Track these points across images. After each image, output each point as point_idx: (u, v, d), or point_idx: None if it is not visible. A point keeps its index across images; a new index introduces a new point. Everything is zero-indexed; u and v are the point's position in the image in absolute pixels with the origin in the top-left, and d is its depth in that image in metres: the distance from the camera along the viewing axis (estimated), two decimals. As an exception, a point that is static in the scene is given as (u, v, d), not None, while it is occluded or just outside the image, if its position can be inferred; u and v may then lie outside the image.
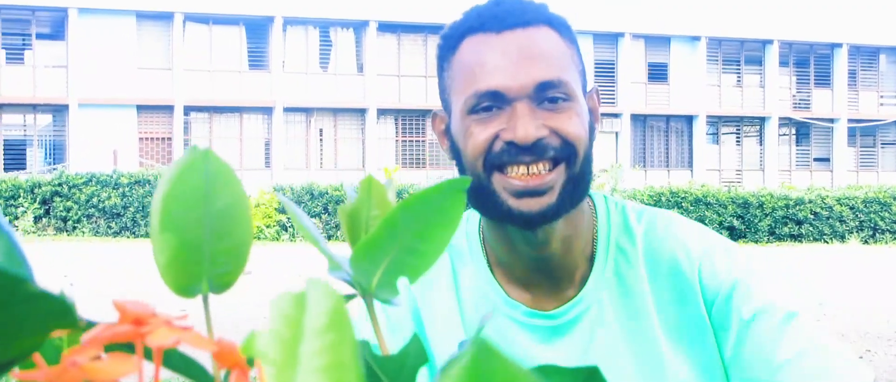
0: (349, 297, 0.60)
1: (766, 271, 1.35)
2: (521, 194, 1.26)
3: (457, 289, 1.42)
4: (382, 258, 0.58)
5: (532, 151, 1.25)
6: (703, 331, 1.32)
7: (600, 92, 1.42)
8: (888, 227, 21.79)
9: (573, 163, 1.27)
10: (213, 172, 0.54)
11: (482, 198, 1.30)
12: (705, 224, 20.84)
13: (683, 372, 1.32)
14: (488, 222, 1.38)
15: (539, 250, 1.33)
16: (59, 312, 0.44)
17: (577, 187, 1.29)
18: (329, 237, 20.91)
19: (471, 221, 1.45)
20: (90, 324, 0.61)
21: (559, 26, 1.32)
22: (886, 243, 21.57)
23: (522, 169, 1.26)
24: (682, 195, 21.57)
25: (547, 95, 1.26)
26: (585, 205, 1.38)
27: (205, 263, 0.55)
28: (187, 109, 30.69)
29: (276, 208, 20.56)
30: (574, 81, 1.29)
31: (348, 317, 0.42)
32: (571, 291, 1.37)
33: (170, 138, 30.38)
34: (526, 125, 1.24)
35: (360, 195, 0.63)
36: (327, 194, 20.96)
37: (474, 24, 1.31)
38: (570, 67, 1.30)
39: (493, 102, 1.27)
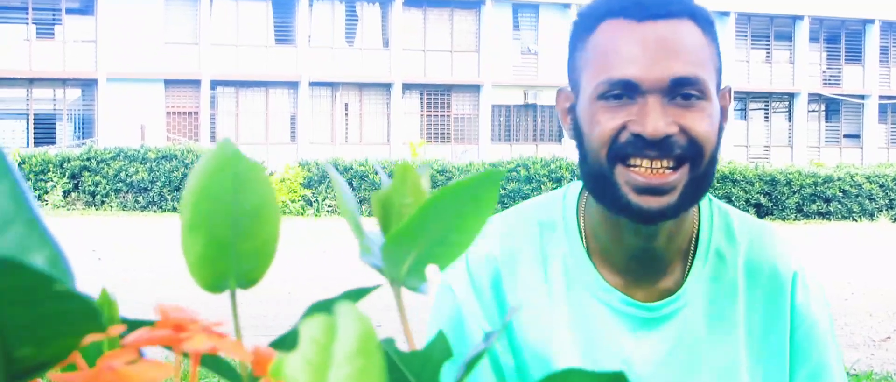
0: (371, 289, 0.61)
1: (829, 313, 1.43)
2: (643, 190, 1.25)
3: (545, 262, 1.40)
4: (413, 248, 0.58)
5: (659, 146, 1.24)
6: (782, 352, 1.37)
7: None
8: (919, 205, 21.64)
9: (698, 164, 1.26)
10: (243, 171, 0.54)
11: (601, 187, 1.30)
12: (732, 202, 20.85)
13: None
14: (597, 207, 1.36)
15: (645, 241, 1.33)
16: (87, 314, 0.45)
17: (699, 187, 1.28)
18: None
19: (568, 198, 1.43)
20: (131, 323, 0.61)
21: (702, 21, 1.30)
22: (917, 221, 21.43)
23: (646, 163, 1.25)
24: (710, 172, 21.49)
25: (681, 91, 1.25)
26: None
27: (232, 261, 0.56)
28: (214, 84, 30.83)
29: (301, 183, 20.64)
30: (710, 79, 1.28)
31: (377, 342, 0.43)
32: (664, 284, 1.38)
33: (197, 113, 30.55)
34: (656, 120, 1.23)
35: (393, 182, 0.63)
36: (352, 168, 21.01)
37: (615, 7, 1.29)
38: (707, 64, 1.28)
39: (624, 91, 1.26)
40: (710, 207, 1.41)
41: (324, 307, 0.60)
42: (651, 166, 1.25)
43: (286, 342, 0.59)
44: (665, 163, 1.24)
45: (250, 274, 0.56)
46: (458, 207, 0.56)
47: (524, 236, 1.41)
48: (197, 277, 0.57)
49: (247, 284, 0.57)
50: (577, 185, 1.43)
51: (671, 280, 1.37)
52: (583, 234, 1.40)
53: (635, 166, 1.25)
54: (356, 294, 0.60)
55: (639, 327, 1.36)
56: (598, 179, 1.29)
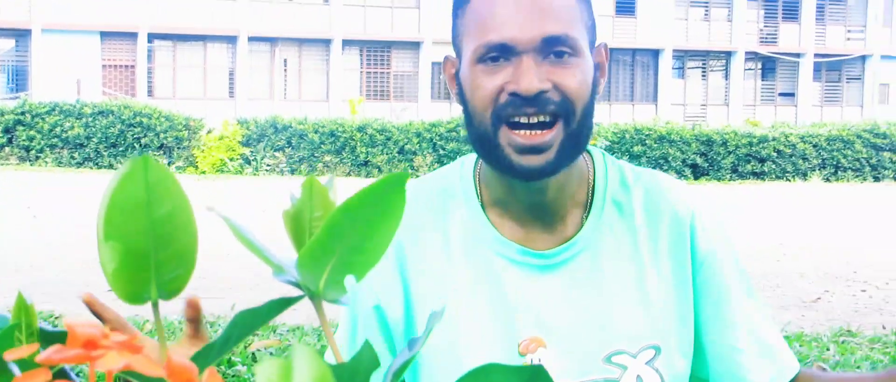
0: (295, 299, 0.61)
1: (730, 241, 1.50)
2: (523, 149, 1.31)
3: (445, 228, 1.46)
4: (328, 260, 0.58)
5: (534, 102, 1.29)
6: (687, 288, 1.44)
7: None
8: (850, 165, 22.01)
9: (571, 120, 1.32)
10: (154, 179, 0.55)
11: (487, 149, 1.35)
12: (668, 162, 21.05)
13: (665, 317, 1.42)
14: (489, 168, 1.43)
15: (535, 196, 1.39)
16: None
17: (576, 143, 1.34)
18: (292, 171, 20.83)
19: (465, 166, 1.50)
20: (48, 335, 0.61)
21: None
22: (848, 181, 21.81)
23: (524, 120, 1.31)
24: (646, 133, 21.64)
25: (553, 49, 1.30)
26: (582, 157, 1.44)
27: (152, 270, 0.56)
28: (151, 37, 30.31)
29: (239, 142, 20.43)
30: (581, 36, 1.33)
31: None
32: (564, 232, 1.43)
33: (133, 66, 30.05)
34: (530, 77, 1.28)
35: (301, 197, 0.63)
36: (291, 127, 20.81)
37: None
38: (578, 22, 1.33)
39: (500, 53, 1.31)
40: (604, 160, 1.48)
41: (250, 316, 0.61)
42: (529, 124, 1.31)
43: (211, 353, 0.60)
44: (541, 118, 1.31)
45: (172, 283, 0.57)
46: (368, 214, 0.57)
47: (424, 205, 1.47)
48: (117, 289, 0.57)
49: (169, 294, 0.57)
50: (473, 155, 1.50)
51: (570, 229, 1.43)
52: (480, 196, 1.46)
53: (516, 128, 1.31)
54: (282, 304, 0.61)
55: (539, 273, 1.42)
56: (483, 141, 1.35)
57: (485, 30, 1.32)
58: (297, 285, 0.60)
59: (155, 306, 0.58)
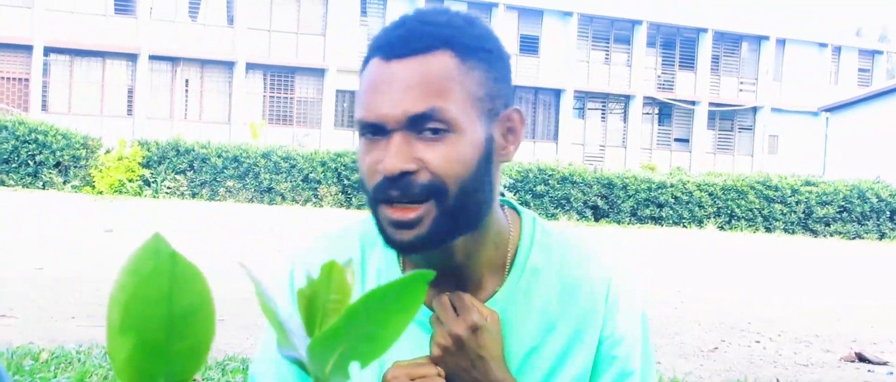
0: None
1: (646, 335, 1.49)
2: (395, 224, 1.29)
3: (363, 276, 1.45)
4: (339, 347, 0.59)
5: (398, 184, 1.27)
6: (586, 364, 1.43)
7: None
8: (744, 214, 22.61)
9: (443, 199, 1.28)
10: (180, 274, 0.54)
11: (375, 218, 1.34)
12: (570, 202, 21.32)
13: None
14: None
15: (441, 262, 1.36)
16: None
17: (454, 219, 1.30)
18: (193, 195, 20.50)
19: None
20: None
21: (460, 48, 1.30)
22: (741, 230, 22.39)
23: (393, 202, 1.29)
24: (550, 173, 21.90)
25: (423, 126, 1.27)
26: (501, 220, 1.41)
27: (163, 362, 0.55)
28: (47, 50, 29.61)
29: (140, 162, 20.05)
30: (460, 109, 1.28)
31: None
32: (480, 295, 1.41)
33: (27, 80, 29.29)
34: (392, 157, 1.26)
35: (319, 278, 0.63)
36: (193, 150, 20.50)
37: (374, 46, 1.33)
38: (456, 95, 1.28)
39: (373, 131, 1.30)
40: (534, 226, 1.46)
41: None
42: (399, 202, 1.29)
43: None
44: (407, 200, 1.28)
45: (180, 374, 0.56)
46: (386, 306, 0.58)
47: (346, 250, 1.47)
48: (124, 379, 0.56)
49: None
50: None
51: (485, 293, 1.41)
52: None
53: (389, 202, 1.29)
54: None
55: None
56: (372, 212, 1.34)
57: (361, 106, 1.31)
58: (301, 365, 0.60)
59: None
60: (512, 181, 20.79)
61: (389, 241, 1.31)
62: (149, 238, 0.56)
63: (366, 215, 1.50)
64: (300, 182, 20.65)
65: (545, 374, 1.41)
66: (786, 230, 22.72)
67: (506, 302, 1.41)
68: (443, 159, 1.27)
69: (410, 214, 1.28)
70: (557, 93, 36.23)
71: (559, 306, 1.42)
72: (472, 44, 1.31)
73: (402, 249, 1.32)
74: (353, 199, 20.54)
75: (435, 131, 1.27)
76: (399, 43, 1.29)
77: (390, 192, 1.27)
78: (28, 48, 29.19)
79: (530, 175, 21.74)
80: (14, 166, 20.04)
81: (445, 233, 1.30)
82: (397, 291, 0.58)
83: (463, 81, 1.29)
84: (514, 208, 1.48)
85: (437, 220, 1.28)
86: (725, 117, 39.30)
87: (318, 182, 20.67)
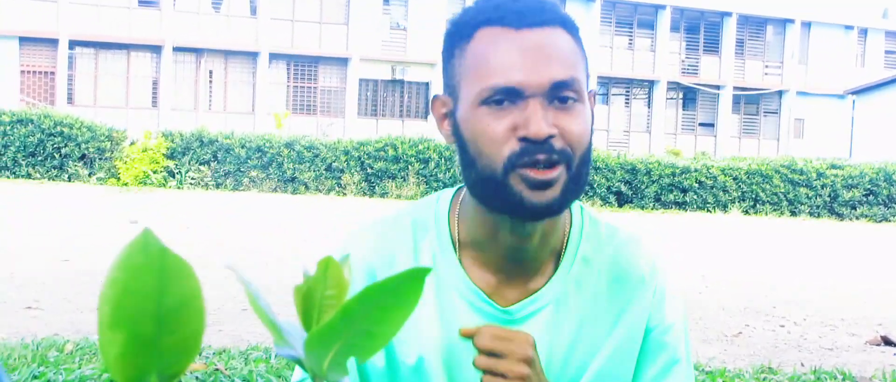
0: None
1: (687, 327, 1.52)
2: (536, 184, 1.30)
3: (415, 263, 1.45)
4: (335, 343, 0.59)
5: (543, 147, 1.29)
6: (632, 355, 1.45)
7: None
8: (769, 198, 22.45)
9: (572, 164, 1.32)
10: (169, 268, 0.54)
11: (492, 190, 1.33)
12: (594, 189, 21.26)
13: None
14: (476, 207, 1.41)
15: (521, 240, 1.39)
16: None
17: (576, 185, 1.34)
18: (217, 186, 20.58)
19: (441, 202, 1.49)
20: None
21: (571, 28, 1.36)
22: (766, 214, 22.25)
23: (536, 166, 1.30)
24: (573, 159, 21.79)
25: (559, 94, 1.30)
26: None
27: (154, 357, 0.55)
28: (72, 44, 29.78)
29: (164, 154, 20.14)
30: (583, 81, 1.34)
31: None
32: (533, 283, 1.43)
33: (53, 73, 29.49)
34: (538, 122, 1.28)
35: (315, 275, 0.63)
36: (217, 141, 20.56)
37: (492, 16, 1.34)
38: (580, 68, 1.34)
39: (506, 96, 1.30)
40: (582, 214, 1.49)
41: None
42: (538, 167, 1.31)
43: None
44: (551, 172, 1.31)
45: (172, 368, 0.57)
46: (385, 302, 0.58)
47: (398, 237, 1.47)
48: (115, 373, 0.56)
49: (169, 378, 0.57)
50: (450, 191, 1.50)
51: (542, 281, 1.44)
52: (454, 236, 1.45)
53: (528, 168, 1.31)
54: None
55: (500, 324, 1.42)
56: (488, 183, 1.33)
57: (491, 72, 1.31)
58: (299, 361, 0.60)
59: None
60: (535, 168, 20.70)
61: (522, 206, 1.31)
62: (138, 234, 0.56)
63: (407, 203, 1.53)
64: (323, 171, 20.68)
65: (594, 362, 1.43)
66: (811, 214, 22.56)
67: (558, 290, 1.43)
68: (576, 126, 1.31)
69: (552, 173, 1.30)
70: (581, 79, 36.08)
71: (608, 295, 1.45)
72: (574, 25, 1.38)
73: (537, 212, 1.32)
74: (376, 187, 20.55)
75: (564, 100, 1.30)
76: (527, 13, 1.32)
77: (537, 155, 1.29)
78: (54, 42, 29.37)
79: (554, 162, 21.61)
80: (40, 158, 20.19)
81: (570, 199, 1.34)
82: (395, 287, 0.58)
83: (580, 57, 1.35)
84: None
85: (566, 184, 1.32)
86: (750, 101, 39.06)
87: (342, 171, 20.69)
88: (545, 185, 1.30)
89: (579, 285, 1.44)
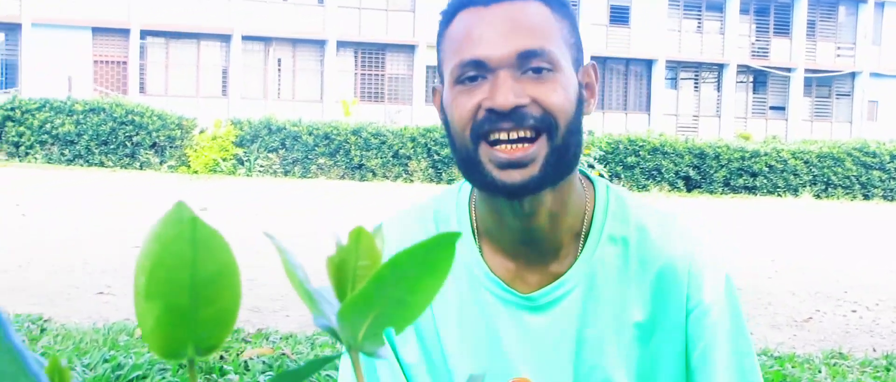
0: (332, 358, 0.60)
1: (734, 300, 1.43)
2: (505, 165, 1.28)
3: None
4: (369, 313, 0.58)
5: (511, 117, 1.26)
6: (675, 340, 1.39)
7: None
8: (841, 182, 22.08)
9: (554, 134, 1.28)
10: (201, 239, 0.54)
11: (470, 169, 1.33)
12: (661, 173, 21.07)
13: (644, 366, 1.39)
14: (479, 193, 1.40)
15: (525, 221, 1.35)
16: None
17: (561, 158, 1.30)
18: (286, 173, 20.80)
19: (462, 193, 1.47)
20: None
21: (550, 1, 1.34)
22: (838, 198, 21.88)
23: (504, 136, 1.28)
24: (640, 144, 21.65)
25: (530, 64, 1.28)
26: (578, 184, 1.40)
27: (190, 328, 0.55)
28: (144, 33, 30.24)
29: (233, 142, 20.40)
30: (560, 52, 1.31)
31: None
32: (556, 267, 1.40)
33: (125, 62, 29.97)
34: (505, 92, 1.26)
35: (347, 245, 0.63)
36: (285, 128, 20.77)
37: (464, 1, 1.34)
38: (555, 37, 1.31)
39: (477, 71, 1.29)
40: (607, 193, 1.43)
41: (288, 377, 0.60)
42: (509, 139, 1.28)
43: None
44: (522, 133, 1.27)
45: (209, 340, 0.56)
46: (416, 269, 0.56)
47: (421, 228, 1.46)
48: (153, 345, 0.56)
49: (205, 351, 0.56)
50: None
51: (565, 264, 1.40)
52: (474, 225, 1.44)
53: (496, 142, 1.28)
54: (319, 364, 0.60)
55: (525, 313, 1.40)
56: (465, 160, 1.32)
57: (460, 50, 1.31)
58: (334, 333, 0.60)
59: (191, 364, 0.58)
60: (602, 153, 20.59)
61: (495, 183, 1.30)
62: (172, 206, 0.57)
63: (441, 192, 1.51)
64: (390, 158, 20.78)
65: (632, 345, 1.39)
66: (885, 197, 22.12)
67: (583, 274, 1.39)
68: (553, 93, 1.28)
69: (526, 150, 1.28)
70: (649, 63, 35.76)
71: (639, 275, 1.39)
72: None
73: (511, 192, 1.30)
74: (443, 174, 20.60)
75: (538, 70, 1.28)
76: None
77: (501, 124, 1.27)
78: (125, 32, 29.84)
79: (621, 147, 21.52)
80: (112, 147, 20.58)
81: (553, 174, 1.30)
82: (425, 253, 0.58)
83: (559, 28, 1.33)
84: (586, 176, 1.46)
85: (547, 158, 1.29)
86: (822, 84, 38.34)
87: (409, 158, 20.77)
88: (517, 164, 1.28)
89: (607, 266, 1.39)
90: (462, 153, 1.32)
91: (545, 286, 1.39)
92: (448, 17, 1.37)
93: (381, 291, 0.57)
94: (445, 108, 1.35)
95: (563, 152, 1.30)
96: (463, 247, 1.43)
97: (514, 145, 1.28)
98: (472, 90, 1.30)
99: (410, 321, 0.60)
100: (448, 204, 1.47)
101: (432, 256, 0.57)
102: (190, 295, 0.54)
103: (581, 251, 1.40)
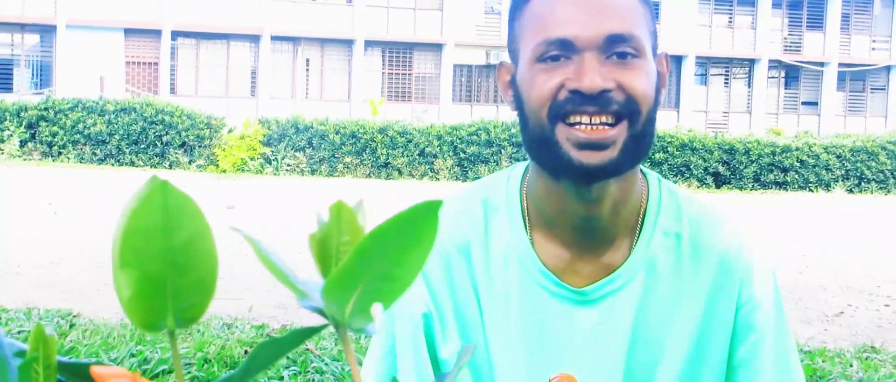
0: (319, 329, 0.59)
1: (779, 298, 1.44)
2: (584, 145, 1.26)
3: (487, 244, 1.41)
4: (355, 288, 0.56)
5: (596, 101, 1.25)
6: (725, 333, 1.39)
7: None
8: (874, 176, 21.88)
9: (636, 120, 1.27)
10: (173, 205, 0.53)
11: (544, 149, 1.30)
12: (690, 170, 20.98)
13: (697, 363, 1.38)
14: (540, 177, 1.38)
15: (589, 208, 1.33)
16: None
17: (639, 144, 1.29)
18: (313, 172, 20.88)
19: (512, 179, 1.45)
20: (66, 367, 0.59)
21: None
22: (872, 193, 21.69)
23: (585, 119, 1.26)
24: (669, 140, 21.56)
25: (616, 48, 1.27)
26: (638, 176, 1.39)
27: (169, 298, 0.54)
28: (174, 35, 30.46)
29: (260, 141, 20.50)
30: (645, 38, 1.30)
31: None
32: (609, 259, 1.38)
33: (156, 63, 30.21)
34: (592, 75, 1.24)
35: (329, 221, 0.61)
36: (312, 127, 20.87)
37: None
38: (641, 24, 1.30)
39: (561, 50, 1.27)
40: (660, 186, 1.43)
41: (272, 347, 0.59)
42: (591, 122, 1.26)
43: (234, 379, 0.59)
44: (604, 118, 1.26)
45: (189, 311, 0.55)
46: (398, 241, 0.55)
47: (468, 217, 1.42)
48: (131, 316, 0.56)
49: (186, 322, 0.56)
50: (521, 166, 1.45)
51: (618, 256, 1.38)
52: (525, 213, 1.41)
53: (576, 123, 1.27)
54: (305, 334, 0.59)
55: (576, 307, 1.38)
56: (539, 140, 1.30)
57: (544, 28, 1.28)
58: (321, 312, 0.59)
59: (171, 334, 0.57)
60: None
61: (572, 163, 1.27)
62: (147, 179, 0.56)
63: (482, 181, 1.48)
64: (416, 156, 20.82)
65: (683, 345, 1.38)
66: (920, 192, 21.93)
67: (637, 268, 1.38)
68: (638, 81, 1.27)
69: (608, 132, 1.26)
70: (679, 59, 35.59)
71: (692, 271, 1.39)
72: None
73: (588, 174, 1.27)
74: (469, 172, 20.60)
75: (622, 55, 1.27)
76: None
77: (585, 107, 1.25)
78: (157, 33, 30.08)
79: (650, 143, 21.39)
80: (142, 146, 20.75)
81: (630, 160, 1.29)
82: (407, 223, 0.56)
83: (644, 13, 1.31)
84: (639, 169, 1.44)
85: (626, 143, 1.27)
86: (856, 78, 37.99)
87: (434, 156, 20.79)
88: (597, 146, 1.26)
89: (661, 260, 1.38)
90: (535, 132, 1.30)
91: (599, 280, 1.38)
92: None
93: (364, 264, 0.55)
94: (520, 84, 1.33)
95: (641, 139, 1.29)
96: (513, 237, 1.40)
97: (594, 127, 1.26)
98: (553, 70, 1.28)
99: (397, 295, 0.58)
100: (498, 192, 1.44)
101: (416, 226, 0.56)
102: (165, 263, 0.53)
103: (635, 243, 1.38)
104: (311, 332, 0.60)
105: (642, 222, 1.39)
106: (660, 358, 1.38)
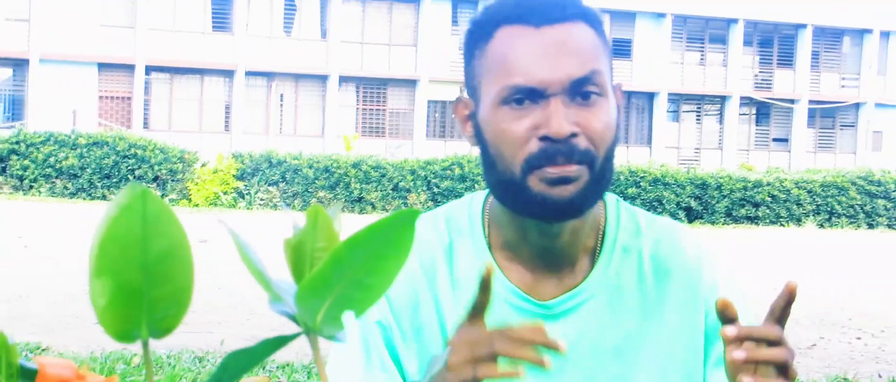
0: (290, 338, 0.58)
1: (742, 288, 1.47)
2: (554, 182, 1.28)
3: (452, 263, 1.43)
4: (328, 295, 0.56)
5: (563, 146, 1.28)
6: (697, 338, 1.41)
7: None
8: (845, 211, 22.04)
9: (595, 164, 1.30)
10: (151, 213, 0.52)
11: (511, 192, 1.32)
12: (663, 204, 21.05)
13: (665, 371, 1.39)
14: (501, 210, 1.40)
15: (551, 241, 1.36)
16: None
17: (598, 183, 1.32)
18: (286, 206, 20.81)
19: (474, 203, 1.47)
20: (26, 371, 0.59)
21: (592, 21, 1.35)
22: (842, 227, 21.84)
23: (555, 169, 1.28)
24: (641, 175, 21.66)
25: (582, 89, 1.29)
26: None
27: (144, 308, 0.53)
28: (148, 69, 30.39)
29: (234, 175, 20.43)
30: (606, 72, 1.32)
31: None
32: (570, 279, 1.40)
33: (130, 98, 30.11)
34: (559, 121, 1.26)
35: (305, 227, 0.61)
36: (285, 162, 20.83)
37: (511, 14, 1.32)
38: (602, 58, 1.33)
39: (527, 96, 1.29)
40: (617, 206, 1.46)
41: (242, 357, 0.58)
42: (558, 164, 1.29)
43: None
44: (570, 166, 1.28)
45: (164, 322, 0.55)
46: (374, 250, 0.55)
47: (435, 236, 1.44)
48: (106, 326, 0.55)
49: (160, 333, 0.55)
50: (483, 192, 1.47)
51: (578, 275, 1.40)
52: (487, 237, 1.43)
53: (545, 168, 1.29)
54: (276, 343, 0.58)
55: (542, 322, 1.35)
56: (508, 186, 1.32)
57: (510, 72, 1.29)
58: (293, 318, 0.59)
59: (145, 345, 0.57)
60: (604, 184, 20.63)
61: (545, 204, 1.29)
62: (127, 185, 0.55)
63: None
64: (390, 191, 20.80)
65: (653, 354, 1.39)
66: (890, 226, 22.07)
67: (600, 285, 1.40)
68: (599, 123, 1.29)
69: (570, 169, 1.28)
70: (651, 96, 35.82)
71: (655, 284, 1.41)
72: (596, 17, 1.36)
73: (559, 208, 1.29)
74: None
75: (586, 96, 1.29)
76: (547, 10, 1.31)
77: (557, 158, 1.27)
78: (130, 67, 29.99)
79: (621, 178, 21.54)
80: (115, 180, 20.61)
81: (592, 197, 1.32)
82: (384, 232, 0.56)
83: (602, 47, 1.34)
84: None
85: (588, 183, 1.29)
86: (826, 115, 38.36)
87: (408, 190, 20.78)
88: (566, 180, 1.28)
89: (622, 276, 1.41)
90: (504, 176, 1.32)
91: (560, 296, 1.39)
92: (488, 28, 1.34)
93: (338, 272, 0.56)
94: (484, 124, 1.34)
95: (600, 180, 1.32)
96: (477, 258, 1.42)
97: (561, 167, 1.28)
98: (520, 114, 1.29)
99: (370, 304, 0.58)
100: (461, 217, 1.46)
101: (392, 235, 0.56)
102: (142, 272, 0.52)
103: (596, 262, 1.41)
104: (281, 341, 0.59)
105: (602, 241, 1.42)
106: (631, 372, 1.39)
